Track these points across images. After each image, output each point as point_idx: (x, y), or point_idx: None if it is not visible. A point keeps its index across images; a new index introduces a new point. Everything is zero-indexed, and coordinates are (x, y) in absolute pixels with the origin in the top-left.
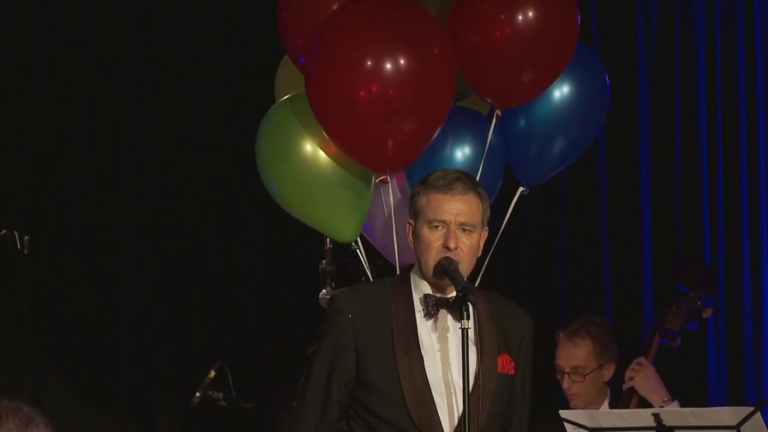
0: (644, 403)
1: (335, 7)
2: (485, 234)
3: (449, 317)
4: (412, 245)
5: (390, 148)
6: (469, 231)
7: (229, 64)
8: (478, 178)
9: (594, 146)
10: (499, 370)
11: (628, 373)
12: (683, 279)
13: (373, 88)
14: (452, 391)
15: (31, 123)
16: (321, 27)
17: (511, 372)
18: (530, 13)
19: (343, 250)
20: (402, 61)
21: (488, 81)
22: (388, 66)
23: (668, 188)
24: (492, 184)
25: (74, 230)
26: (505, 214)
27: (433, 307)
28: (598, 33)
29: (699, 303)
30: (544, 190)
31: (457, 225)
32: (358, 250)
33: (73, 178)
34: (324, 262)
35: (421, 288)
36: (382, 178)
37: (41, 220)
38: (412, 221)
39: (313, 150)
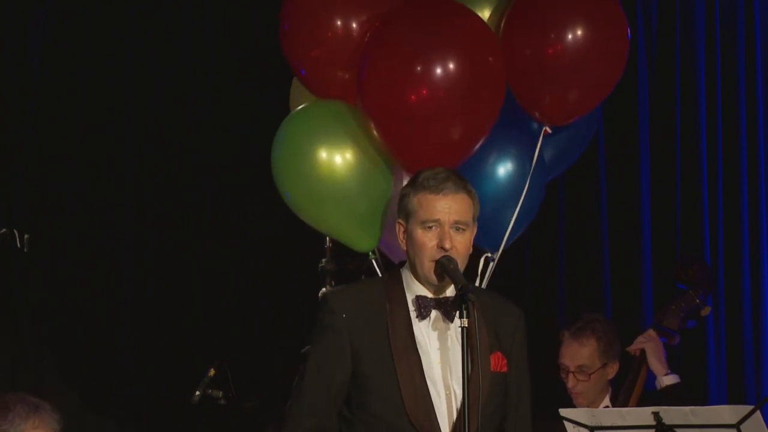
0: (651, 374)
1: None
2: (475, 230)
3: (442, 317)
4: (403, 245)
5: (436, 152)
6: (462, 229)
7: (229, 64)
8: (524, 193)
9: (594, 146)
10: (492, 369)
11: (638, 340)
12: (682, 277)
13: (423, 92)
14: (450, 391)
15: (31, 123)
16: (372, 32)
17: (504, 369)
18: (580, 31)
19: (343, 249)
20: (452, 66)
21: (535, 96)
22: (438, 71)
23: (668, 188)
24: (535, 199)
25: (74, 229)
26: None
27: (425, 309)
28: None
29: (698, 301)
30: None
31: (450, 224)
32: (374, 260)
33: (73, 177)
34: (324, 260)
35: (413, 288)
36: None
37: (41, 219)
38: (402, 222)
39: (328, 159)
